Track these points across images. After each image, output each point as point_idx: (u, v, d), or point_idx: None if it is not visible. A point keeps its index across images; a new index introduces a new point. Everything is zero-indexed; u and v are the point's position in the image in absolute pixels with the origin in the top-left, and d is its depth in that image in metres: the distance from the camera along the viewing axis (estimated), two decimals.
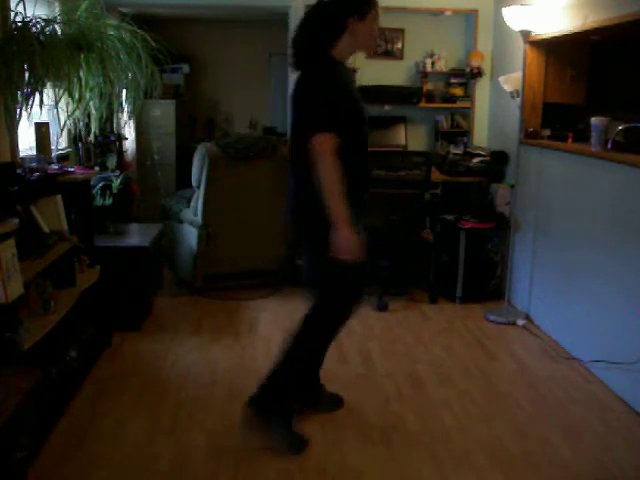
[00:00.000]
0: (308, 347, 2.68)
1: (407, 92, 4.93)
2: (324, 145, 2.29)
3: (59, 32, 2.83)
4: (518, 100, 4.08)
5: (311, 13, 2.52)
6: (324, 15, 2.47)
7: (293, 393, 2.72)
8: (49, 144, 3.42)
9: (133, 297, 3.80)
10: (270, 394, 2.68)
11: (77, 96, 2.94)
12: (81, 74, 2.94)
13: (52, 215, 3.02)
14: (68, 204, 3.17)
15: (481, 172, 4.65)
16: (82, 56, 2.90)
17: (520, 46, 4.03)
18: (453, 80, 5.04)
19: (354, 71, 2.57)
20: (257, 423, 2.70)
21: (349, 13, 2.43)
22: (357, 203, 2.43)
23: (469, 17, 5.01)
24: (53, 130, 3.55)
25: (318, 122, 2.33)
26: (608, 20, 3.17)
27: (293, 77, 2.61)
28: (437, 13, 4.98)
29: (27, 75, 2.65)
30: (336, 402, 2.97)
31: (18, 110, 2.68)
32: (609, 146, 3.25)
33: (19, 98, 2.66)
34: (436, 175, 4.59)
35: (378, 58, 5.05)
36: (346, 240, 2.32)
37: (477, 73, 4.90)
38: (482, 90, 5.00)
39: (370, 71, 4.85)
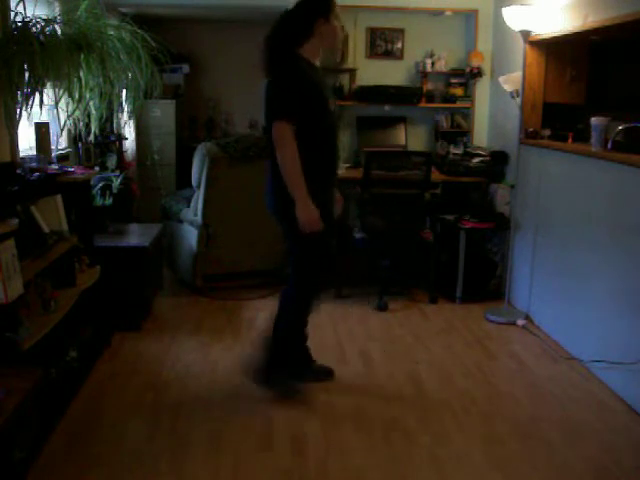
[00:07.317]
0: (290, 319, 2.98)
1: (407, 92, 4.94)
2: (281, 131, 2.58)
3: (59, 32, 2.83)
4: (518, 100, 4.08)
5: (280, 20, 2.71)
6: (293, 20, 2.68)
7: (282, 357, 3.02)
8: (49, 144, 3.42)
9: (133, 297, 3.79)
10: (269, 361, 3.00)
11: (77, 96, 2.94)
12: (81, 74, 2.93)
13: (52, 215, 3.03)
14: (68, 204, 3.18)
15: (481, 172, 4.65)
16: (82, 56, 2.90)
17: (520, 46, 4.03)
18: (453, 80, 5.04)
19: (327, 70, 2.99)
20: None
21: (316, 16, 2.64)
22: (321, 182, 2.75)
23: (469, 17, 5.01)
24: (53, 130, 3.55)
25: (276, 111, 2.61)
26: (608, 20, 3.17)
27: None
28: (437, 13, 4.98)
29: (27, 75, 2.64)
30: (326, 372, 3.17)
31: (18, 110, 2.68)
32: (609, 146, 3.25)
33: (19, 98, 2.66)
34: (436, 175, 4.59)
35: (378, 58, 5.06)
36: (305, 214, 2.63)
37: (477, 73, 4.90)
38: (482, 90, 5.00)
39: (370, 71, 4.85)
